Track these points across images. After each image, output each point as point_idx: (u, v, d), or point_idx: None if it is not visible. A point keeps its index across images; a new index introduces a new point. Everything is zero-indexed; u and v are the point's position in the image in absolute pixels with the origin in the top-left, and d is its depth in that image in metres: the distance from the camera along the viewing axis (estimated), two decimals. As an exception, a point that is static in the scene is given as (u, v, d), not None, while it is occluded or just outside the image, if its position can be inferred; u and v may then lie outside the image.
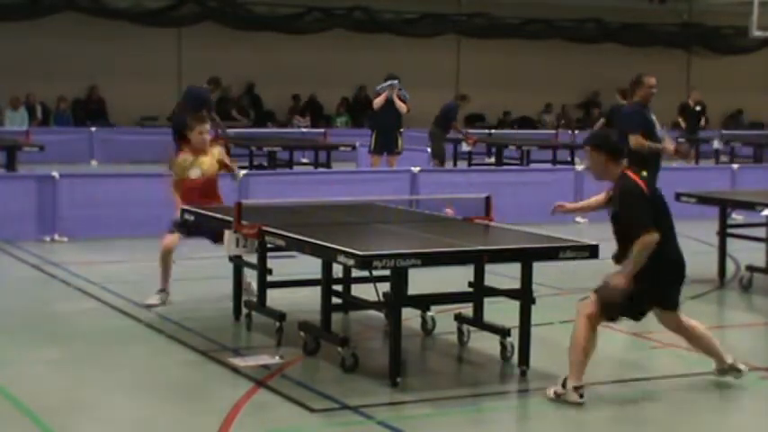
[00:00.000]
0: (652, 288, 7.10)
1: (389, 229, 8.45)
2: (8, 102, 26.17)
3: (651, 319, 9.61)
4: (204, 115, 10.82)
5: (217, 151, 10.13)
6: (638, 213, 6.97)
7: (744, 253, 11.37)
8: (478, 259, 7.60)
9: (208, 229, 9.50)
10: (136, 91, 27.30)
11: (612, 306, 7.01)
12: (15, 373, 7.54)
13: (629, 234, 6.98)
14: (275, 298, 8.77)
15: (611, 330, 9.03)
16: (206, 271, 10.69)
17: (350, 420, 6.59)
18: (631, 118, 11.50)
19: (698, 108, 24.79)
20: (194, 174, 9.93)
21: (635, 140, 11.16)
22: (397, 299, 7.31)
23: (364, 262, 6.89)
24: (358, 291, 8.81)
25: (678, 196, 11.27)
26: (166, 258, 9.70)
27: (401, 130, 17.76)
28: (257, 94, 29.78)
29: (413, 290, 8.21)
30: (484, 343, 8.17)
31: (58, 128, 26.11)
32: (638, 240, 6.89)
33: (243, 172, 14.76)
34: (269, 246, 8.35)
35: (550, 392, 7.02)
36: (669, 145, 11.61)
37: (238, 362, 7.77)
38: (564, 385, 6.98)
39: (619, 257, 7.12)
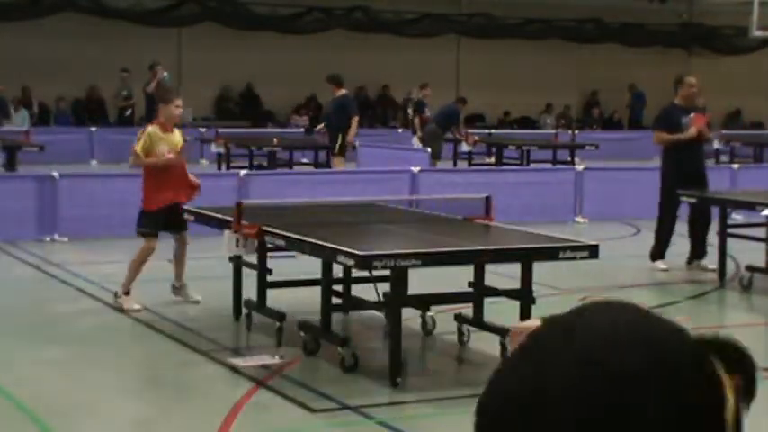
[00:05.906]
0: None
1: (389, 229, 8.44)
2: (9, 101, 26.15)
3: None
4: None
5: (180, 133, 9.89)
6: None
7: (744, 253, 11.36)
8: (478, 259, 7.60)
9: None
10: (136, 91, 27.27)
11: None
12: (15, 374, 7.53)
13: None
14: (275, 298, 8.77)
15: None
16: (206, 271, 10.69)
17: (350, 420, 6.58)
18: (659, 118, 12.13)
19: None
20: (164, 149, 9.67)
21: (656, 137, 11.83)
22: (397, 299, 7.31)
23: (364, 262, 6.90)
24: (358, 291, 8.80)
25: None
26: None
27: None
28: (257, 94, 29.76)
29: (413, 290, 8.20)
30: (484, 343, 8.16)
31: (58, 128, 26.08)
32: None
33: (243, 172, 14.78)
34: (269, 246, 8.35)
35: None
36: (692, 130, 11.54)
37: (238, 362, 7.76)
38: None
39: None
